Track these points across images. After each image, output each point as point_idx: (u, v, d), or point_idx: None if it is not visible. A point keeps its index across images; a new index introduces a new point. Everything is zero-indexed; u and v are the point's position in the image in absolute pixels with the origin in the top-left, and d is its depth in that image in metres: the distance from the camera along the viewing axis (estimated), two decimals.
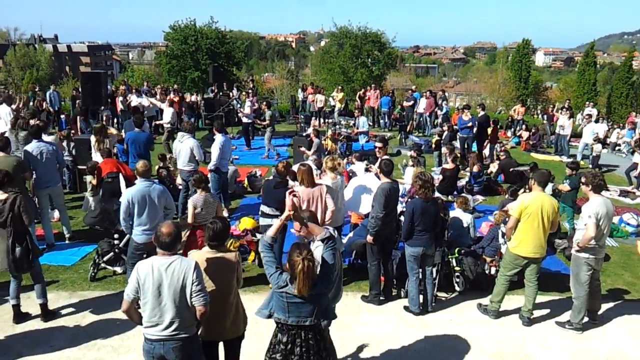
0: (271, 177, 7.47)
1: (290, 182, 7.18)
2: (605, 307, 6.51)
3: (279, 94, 35.35)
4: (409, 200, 7.80)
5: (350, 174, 9.19)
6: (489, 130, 14.52)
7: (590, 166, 14.44)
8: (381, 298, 6.53)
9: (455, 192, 10.52)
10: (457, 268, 6.81)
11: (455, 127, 14.52)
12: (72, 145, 10.68)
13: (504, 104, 34.56)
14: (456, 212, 7.99)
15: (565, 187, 8.95)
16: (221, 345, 4.33)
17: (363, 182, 7.48)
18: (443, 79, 79.70)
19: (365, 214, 7.27)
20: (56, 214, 8.44)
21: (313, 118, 19.43)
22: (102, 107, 13.96)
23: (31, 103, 16.79)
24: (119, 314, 5.04)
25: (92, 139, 9.52)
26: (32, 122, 9.49)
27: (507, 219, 6.45)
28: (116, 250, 7.01)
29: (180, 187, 9.44)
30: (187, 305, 3.73)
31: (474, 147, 14.43)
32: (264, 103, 15.08)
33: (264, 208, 6.89)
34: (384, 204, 6.13)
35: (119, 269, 6.99)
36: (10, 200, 5.44)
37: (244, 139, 15.70)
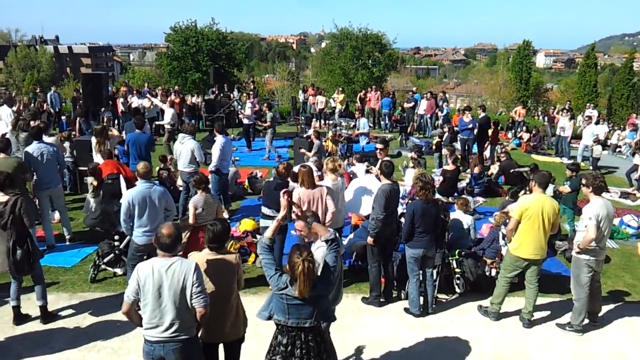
0: (272, 179, 7.47)
1: (291, 184, 7.19)
2: (605, 309, 6.50)
3: (279, 95, 35.33)
4: (410, 201, 7.79)
5: (351, 176, 9.19)
6: (490, 131, 14.52)
7: (591, 168, 14.43)
8: (381, 300, 6.52)
9: (455, 194, 10.51)
10: (457, 270, 6.80)
11: (455, 128, 14.51)
12: (73, 147, 10.68)
13: (504, 106, 34.56)
14: (457, 214, 7.99)
15: (565, 188, 8.95)
16: (221, 347, 4.32)
17: (364, 183, 7.48)
18: (444, 81, 79.75)
19: (365, 215, 7.27)
20: (56, 215, 8.45)
21: (314, 119, 19.46)
22: (103, 109, 13.96)
23: (32, 104, 16.78)
24: (119, 316, 5.06)
25: (93, 140, 9.52)
26: (32, 123, 9.48)
27: (507, 221, 6.45)
28: (116, 251, 7.01)
29: (180, 188, 9.45)
30: (187, 307, 3.73)
31: (475, 149, 14.42)
32: (265, 105, 15.10)
33: (264, 209, 6.89)
34: (385, 205, 6.13)
35: (119, 271, 7.00)
36: (12, 203, 5.44)
37: (244, 141, 15.71)
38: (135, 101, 16.95)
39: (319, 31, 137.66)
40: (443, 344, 5.74)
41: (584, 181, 5.99)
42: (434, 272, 6.37)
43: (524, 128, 18.54)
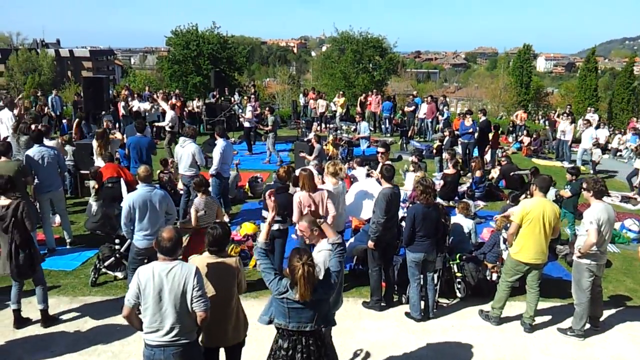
0: (272, 182, 7.47)
1: (292, 188, 7.19)
2: (607, 313, 6.48)
3: (280, 99, 35.47)
4: (410, 205, 7.79)
5: (352, 179, 9.19)
6: (490, 135, 14.53)
7: (591, 172, 14.43)
8: (382, 304, 6.51)
9: (456, 198, 10.51)
10: (458, 274, 6.79)
11: (456, 132, 14.52)
12: (74, 150, 10.69)
13: (505, 110, 34.63)
14: (457, 218, 7.99)
15: (566, 192, 8.94)
16: (222, 351, 4.31)
17: (364, 187, 7.48)
18: (444, 85, 79.95)
19: (366, 219, 7.27)
20: (57, 218, 8.44)
21: (314, 123, 19.49)
22: (104, 112, 13.97)
23: (33, 108, 16.81)
24: (120, 320, 5.04)
25: (94, 143, 9.53)
26: (33, 126, 9.49)
27: (508, 225, 6.44)
28: (117, 255, 7.01)
29: (181, 192, 9.45)
30: (187, 311, 3.72)
31: (475, 153, 14.43)
32: (267, 109, 15.12)
33: (265, 213, 6.88)
34: (385, 209, 6.13)
35: (119, 274, 6.99)
36: (13, 206, 5.45)
37: (245, 144, 15.73)
38: (136, 105, 16.98)
39: (319, 35, 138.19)
40: (444, 348, 5.73)
41: (584, 185, 5.99)
42: (435, 276, 6.36)
43: (525, 132, 18.56)
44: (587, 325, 6.08)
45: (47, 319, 5.86)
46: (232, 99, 20.81)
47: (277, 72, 56.09)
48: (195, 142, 9.11)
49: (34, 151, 7.64)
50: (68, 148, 10.61)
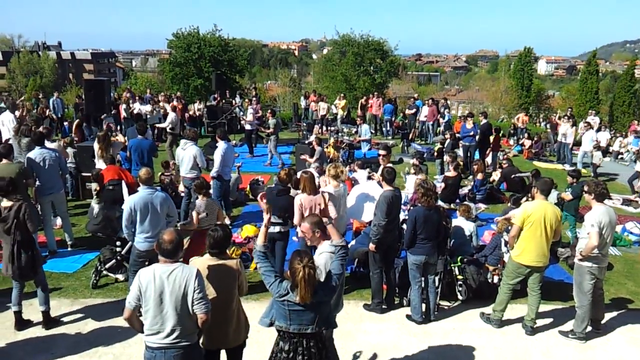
0: (273, 185, 7.47)
1: (293, 190, 7.19)
2: (608, 316, 6.47)
3: (281, 101, 35.46)
4: (412, 208, 7.79)
5: (353, 182, 9.20)
6: (491, 138, 14.52)
7: (592, 174, 14.42)
8: (383, 307, 6.51)
9: (457, 200, 10.50)
10: (459, 277, 6.78)
11: (457, 135, 14.52)
12: (75, 152, 10.71)
13: (506, 112, 34.63)
14: (458, 221, 7.98)
15: (567, 195, 8.94)
16: (223, 353, 4.31)
17: (365, 189, 7.48)
18: (445, 87, 79.99)
19: (367, 221, 7.27)
20: (58, 221, 8.46)
21: (315, 126, 19.49)
22: (105, 115, 14.00)
23: (34, 110, 16.83)
24: (121, 322, 5.05)
25: (96, 146, 9.55)
26: (35, 129, 9.51)
27: (509, 228, 6.43)
28: (118, 257, 7.01)
29: (182, 194, 9.46)
30: (188, 313, 3.72)
31: (477, 155, 14.43)
32: (269, 111, 15.14)
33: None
34: (387, 211, 6.13)
35: (121, 277, 6.99)
36: (15, 208, 5.47)
37: (246, 147, 15.75)
38: (137, 107, 17.01)
39: (320, 38, 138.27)
40: (445, 351, 5.72)
41: (586, 188, 5.98)
42: (436, 278, 6.36)
43: (526, 135, 18.56)
44: (589, 328, 6.07)
45: (49, 321, 5.86)
46: (234, 101, 20.83)
47: (278, 74, 56.12)
48: (196, 144, 9.13)
49: (36, 153, 7.65)
50: (69, 150, 10.64)
